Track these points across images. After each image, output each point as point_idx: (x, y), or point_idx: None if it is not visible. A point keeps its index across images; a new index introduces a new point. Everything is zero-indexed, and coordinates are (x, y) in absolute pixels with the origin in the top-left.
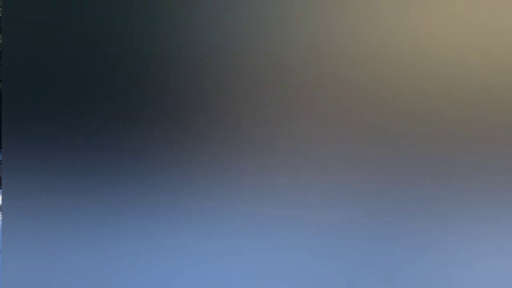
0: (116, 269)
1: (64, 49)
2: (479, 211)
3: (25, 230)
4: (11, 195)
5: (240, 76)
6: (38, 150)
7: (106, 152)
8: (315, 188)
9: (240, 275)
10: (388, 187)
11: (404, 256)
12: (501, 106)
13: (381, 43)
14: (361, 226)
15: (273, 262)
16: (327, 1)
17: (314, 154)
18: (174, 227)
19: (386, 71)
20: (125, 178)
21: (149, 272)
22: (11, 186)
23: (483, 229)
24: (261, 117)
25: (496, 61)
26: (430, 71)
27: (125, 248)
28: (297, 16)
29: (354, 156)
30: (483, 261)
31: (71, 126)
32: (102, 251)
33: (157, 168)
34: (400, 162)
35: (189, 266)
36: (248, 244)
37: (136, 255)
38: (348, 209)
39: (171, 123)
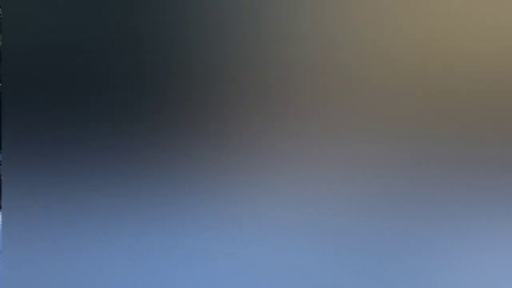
0: (117, 270)
1: (65, 50)
2: (481, 210)
3: (25, 231)
4: (11, 196)
5: (238, 77)
6: (39, 151)
7: (107, 153)
8: (314, 189)
9: (239, 273)
10: (387, 188)
11: (403, 255)
12: (500, 105)
13: (380, 43)
14: (360, 226)
15: (273, 261)
16: (324, 3)
17: (313, 154)
18: (175, 227)
19: (384, 71)
20: (126, 179)
21: (150, 272)
22: (12, 187)
23: (483, 228)
24: (261, 118)
25: (496, 60)
26: (429, 71)
27: (126, 248)
28: (297, 17)
29: (353, 156)
30: (483, 259)
31: (71, 127)
32: (103, 252)
33: (157, 168)
34: (399, 162)
35: (189, 265)
36: (247, 243)
37: (138, 256)
38: (347, 209)
39: (172, 124)
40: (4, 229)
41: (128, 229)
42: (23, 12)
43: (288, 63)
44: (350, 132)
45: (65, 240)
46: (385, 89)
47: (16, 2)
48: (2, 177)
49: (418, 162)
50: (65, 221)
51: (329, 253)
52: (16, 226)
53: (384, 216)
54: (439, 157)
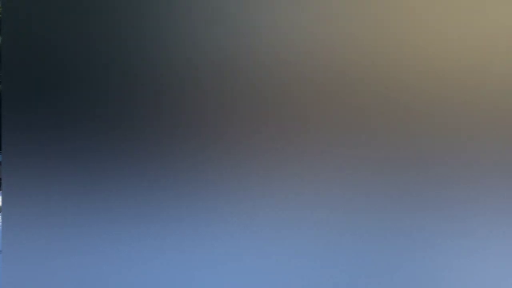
0: (117, 270)
1: (64, 51)
2: (481, 210)
3: (25, 231)
4: (11, 196)
5: (239, 77)
6: (38, 151)
7: (106, 153)
8: (315, 189)
9: (240, 274)
10: (387, 188)
11: (403, 255)
12: (500, 106)
13: (381, 43)
14: (360, 226)
15: (275, 261)
16: (325, 3)
17: (314, 154)
18: (174, 228)
19: (386, 72)
20: (125, 179)
21: (150, 273)
22: (11, 187)
23: (484, 228)
24: (261, 118)
25: (498, 60)
26: (430, 72)
27: (126, 249)
28: (297, 18)
29: (354, 156)
30: (483, 259)
31: (71, 127)
32: (103, 252)
33: (158, 168)
34: (399, 162)
35: (190, 265)
36: (249, 244)
37: (138, 256)
38: (347, 209)
39: (173, 124)
40: (4, 229)
41: (129, 229)
42: (23, 12)
43: (289, 63)
44: (350, 132)
45: (65, 240)
46: (386, 89)
47: (16, 2)
48: (2, 177)
49: (418, 162)
50: (65, 221)
51: (330, 253)
52: (16, 226)
53: (385, 216)
54: (439, 157)
